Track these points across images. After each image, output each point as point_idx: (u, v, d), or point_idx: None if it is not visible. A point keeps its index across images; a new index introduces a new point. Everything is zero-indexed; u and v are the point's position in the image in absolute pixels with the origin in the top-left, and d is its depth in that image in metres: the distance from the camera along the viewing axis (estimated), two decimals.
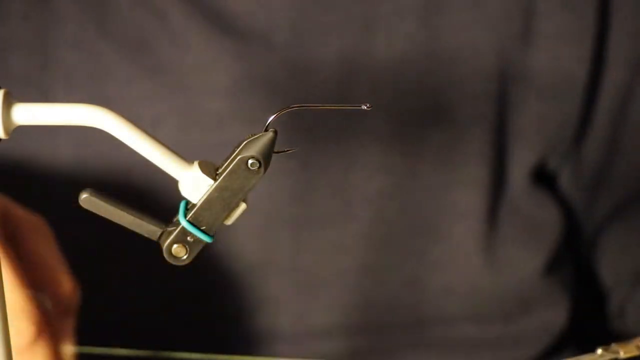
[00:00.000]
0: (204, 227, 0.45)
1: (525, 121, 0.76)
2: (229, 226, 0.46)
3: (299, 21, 0.74)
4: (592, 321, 0.86)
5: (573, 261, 0.83)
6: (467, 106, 0.75)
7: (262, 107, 0.73)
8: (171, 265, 0.46)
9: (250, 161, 0.44)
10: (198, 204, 0.44)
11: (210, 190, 0.44)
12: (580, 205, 0.81)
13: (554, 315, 0.80)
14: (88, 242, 0.74)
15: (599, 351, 0.56)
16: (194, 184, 0.44)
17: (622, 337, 0.58)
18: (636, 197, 0.81)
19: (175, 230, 0.45)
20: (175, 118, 0.74)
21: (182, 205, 0.45)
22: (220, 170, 0.44)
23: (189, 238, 0.45)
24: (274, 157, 0.45)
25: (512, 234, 0.78)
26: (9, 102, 0.42)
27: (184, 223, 0.44)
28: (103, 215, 0.44)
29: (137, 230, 0.44)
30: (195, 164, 0.44)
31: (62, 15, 0.74)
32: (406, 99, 0.75)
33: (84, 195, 0.44)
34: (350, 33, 0.74)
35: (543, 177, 0.79)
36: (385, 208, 0.76)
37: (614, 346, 0.56)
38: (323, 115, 0.75)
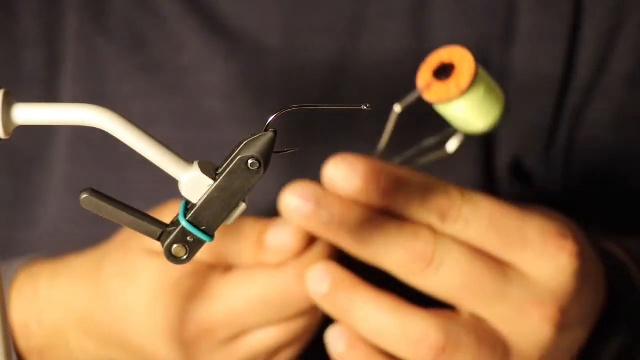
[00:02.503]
0: (204, 227, 0.44)
1: (504, 121, 0.77)
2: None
3: (289, 22, 0.74)
4: None
5: None
6: None
7: (254, 106, 0.73)
8: None
9: (250, 161, 0.44)
10: (198, 204, 0.44)
11: (210, 190, 0.44)
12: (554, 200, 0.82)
13: None
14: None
15: None
16: (194, 184, 0.44)
17: None
18: (596, 190, 0.81)
19: (175, 230, 0.44)
20: (167, 116, 0.74)
21: (182, 205, 0.45)
22: (220, 170, 0.44)
23: (189, 238, 0.45)
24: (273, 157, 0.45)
25: None
26: (9, 102, 0.42)
27: (184, 223, 0.44)
28: (103, 215, 0.43)
29: (137, 230, 0.44)
30: (195, 164, 0.44)
31: (65, 10, 0.74)
32: (395, 99, 0.75)
33: (84, 195, 0.43)
34: (339, 33, 0.74)
35: (523, 176, 0.80)
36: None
37: None
38: (313, 116, 0.75)
